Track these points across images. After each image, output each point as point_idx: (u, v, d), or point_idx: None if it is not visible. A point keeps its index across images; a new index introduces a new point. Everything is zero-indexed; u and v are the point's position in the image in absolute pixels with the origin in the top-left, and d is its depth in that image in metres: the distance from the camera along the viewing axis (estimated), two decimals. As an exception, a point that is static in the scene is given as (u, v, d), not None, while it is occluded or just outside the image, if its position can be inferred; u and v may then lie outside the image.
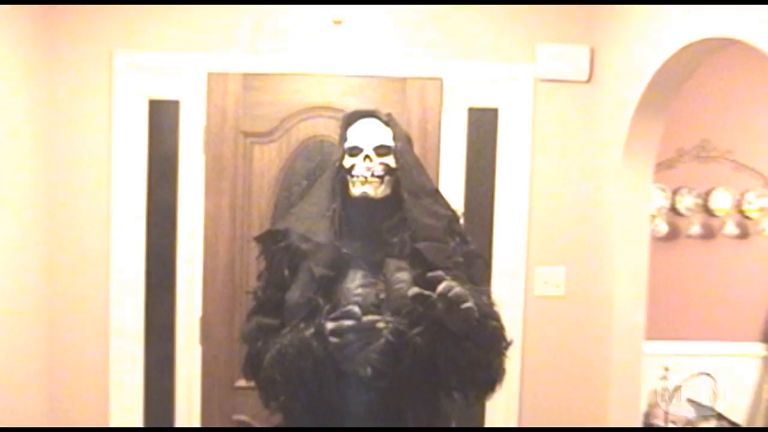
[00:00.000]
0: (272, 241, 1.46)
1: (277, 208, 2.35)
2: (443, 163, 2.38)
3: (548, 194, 2.41)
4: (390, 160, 1.46)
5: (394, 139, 1.49)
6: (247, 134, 2.36)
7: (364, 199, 1.43)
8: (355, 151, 1.46)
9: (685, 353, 2.84)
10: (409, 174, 1.47)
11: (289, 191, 2.36)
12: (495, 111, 2.39)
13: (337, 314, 1.29)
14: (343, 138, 1.50)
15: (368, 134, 1.47)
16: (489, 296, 1.45)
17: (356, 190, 1.44)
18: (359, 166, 1.44)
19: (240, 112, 2.34)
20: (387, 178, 1.44)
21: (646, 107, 2.05)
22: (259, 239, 1.50)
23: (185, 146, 2.35)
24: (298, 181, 2.35)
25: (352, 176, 1.45)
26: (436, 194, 1.54)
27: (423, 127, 2.35)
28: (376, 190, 1.43)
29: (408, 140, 1.55)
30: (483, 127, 2.39)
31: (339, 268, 1.39)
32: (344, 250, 1.40)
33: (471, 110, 2.38)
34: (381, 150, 1.46)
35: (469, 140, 2.39)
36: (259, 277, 1.50)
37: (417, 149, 2.29)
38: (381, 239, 1.43)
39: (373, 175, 1.43)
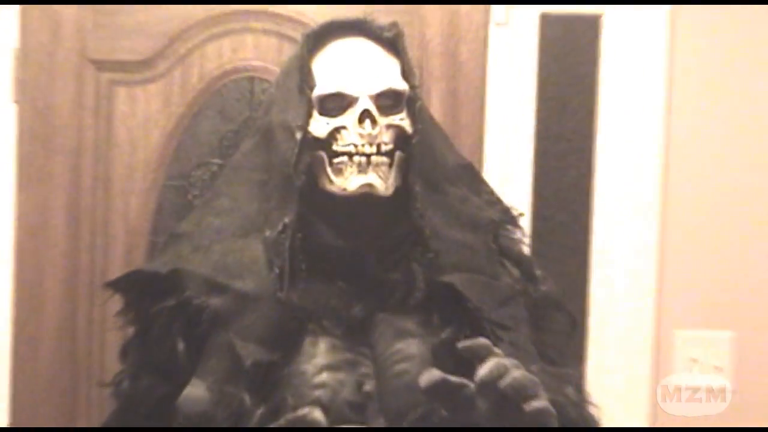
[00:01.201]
0: (146, 295, 1.52)
1: (164, 212, 2.37)
2: (491, 122, 2.36)
3: (699, 187, 2.41)
4: (402, 120, 1.53)
5: (405, 75, 1.56)
6: (102, 65, 2.37)
7: (365, 198, 1.49)
8: (338, 106, 1.52)
9: None
10: (425, 147, 1.56)
11: (188, 180, 2.37)
12: (594, 21, 2.38)
13: (282, 424, 1.35)
14: (305, 76, 1.55)
15: (361, 69, 1.54)
16: (579, 387, 1.53)
17: (350, 181, 1.50)
18: (351, 134, 1.50)
19: (88, 24, 2.36)
20: (398, 155, 1.52)
21: None
22: (118, 287, 1.57)
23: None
24: (203, 160, 2.37)
25: (336, 155, 1.51)
26: (474, 182, 1.65)
27: (451, 52, 2.36)
28: (386, 181, 1.50)
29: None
30: (570, 53, 2.38)
31: (287, 339, 1.46)
32: (297, 303, 1.47)
33: (546, 19, 2.37)
34: (387, 99, 1.53)
35: (541, 77, 2.37)
36: (124, 354, 1.58)
37: (440, 94, 2.36)
38: (369, 275, 1.50)
39: (379, 152, 1.50)
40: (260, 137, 1.62)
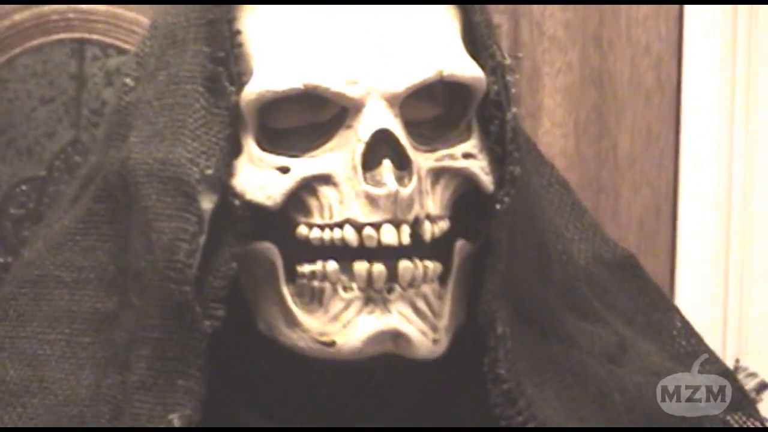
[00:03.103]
0: None
1: None
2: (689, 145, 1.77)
3: None
4: (471, 159, 0.87)
5: (478, 46, 0.90)
6: None
7: (378, 371, 0.86)
8: (310, 124, 0.86)
9: None
10: (526, 225, 0.92)
11: None
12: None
13: None
14: (221, 48, 0.87)
15: (365, 32, 0.87)
16: None
17: (344, 328, 0.82)
18: (347, 195, 0.83)
19: None
20: (461, 251, 0.87)
21: None
22: None
23: None
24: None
25: (309, 257, 0.84)
26: (645, 308, 1.03)
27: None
28: (435, 324, 0.84)
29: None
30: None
31: None
32: None
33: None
34: (430, 106, 0.88)
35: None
36: None
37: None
38: None
39: (417, 243, 0.83)
40: (99, 200, 0.90)
